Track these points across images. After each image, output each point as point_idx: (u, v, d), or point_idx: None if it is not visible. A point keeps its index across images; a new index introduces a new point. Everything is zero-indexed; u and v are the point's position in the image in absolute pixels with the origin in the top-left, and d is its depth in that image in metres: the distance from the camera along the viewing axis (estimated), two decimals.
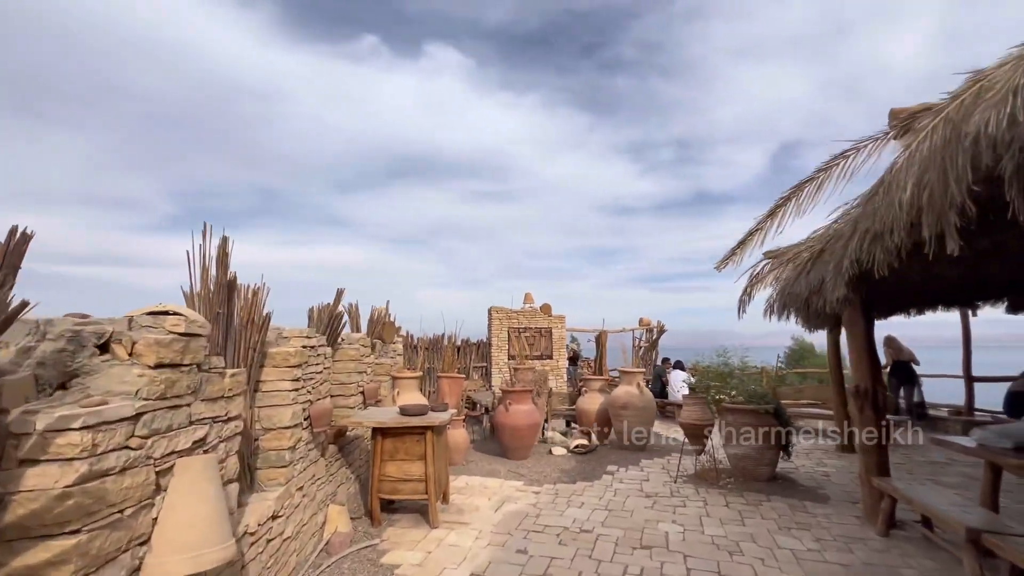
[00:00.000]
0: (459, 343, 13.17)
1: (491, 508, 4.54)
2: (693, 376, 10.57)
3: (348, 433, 4.79)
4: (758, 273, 4.81)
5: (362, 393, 5.29)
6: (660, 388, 10.26)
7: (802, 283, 3.63)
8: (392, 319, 8.96)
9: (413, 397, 5.52)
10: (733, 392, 5.62)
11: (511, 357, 12.66)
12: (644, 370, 7.43)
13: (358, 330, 6.31)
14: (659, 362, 11.81)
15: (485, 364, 13.15)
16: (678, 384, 10.07)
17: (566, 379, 13.03)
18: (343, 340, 5.17)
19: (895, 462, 6.05)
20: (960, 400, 8.81)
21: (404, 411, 4.32)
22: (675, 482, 5.33)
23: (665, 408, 9.96)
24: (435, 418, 4.21)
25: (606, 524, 4.15)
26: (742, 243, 4.87)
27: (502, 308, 13.05)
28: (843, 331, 5.91)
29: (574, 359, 16.15)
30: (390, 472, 4.13)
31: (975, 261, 3.40)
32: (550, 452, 6.73)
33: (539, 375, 12.86)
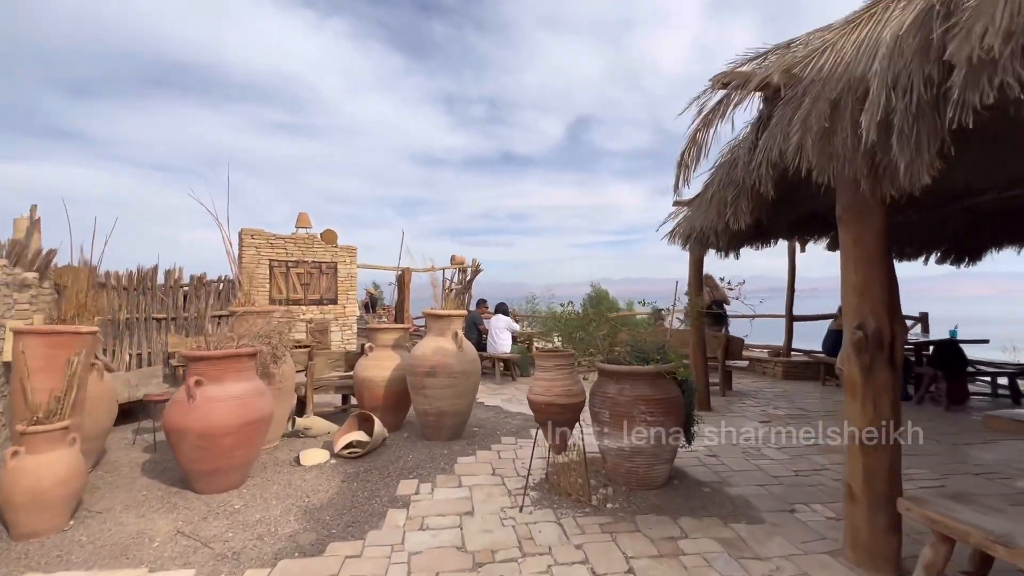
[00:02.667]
0: (186, 282, 8.76)
1: None
2: (518, 321, 8.57)
3: None
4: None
5: None
6: (476, 338, 8.01)
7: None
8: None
9: None
10: (601, 343, 3.40)
11: (273, 301, 8.87)
12: (464, 313, 4.86)
13: None
14: (473, 306, 9.51)
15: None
16: (500, 332, 7.91)
17: (357, 332, 9.83)
18: None
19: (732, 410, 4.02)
20: (776, 340, 8.69)
21: None
22: (521, 510, 2.92)
23: (483, 364, 7.76)
24: None
25: None
26: None
27: (260, 232, 8.99)
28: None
29: (371, 305, 12.87)
30: None
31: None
32: (296, 462, 3.69)
33: (317, 325, 9.32)
